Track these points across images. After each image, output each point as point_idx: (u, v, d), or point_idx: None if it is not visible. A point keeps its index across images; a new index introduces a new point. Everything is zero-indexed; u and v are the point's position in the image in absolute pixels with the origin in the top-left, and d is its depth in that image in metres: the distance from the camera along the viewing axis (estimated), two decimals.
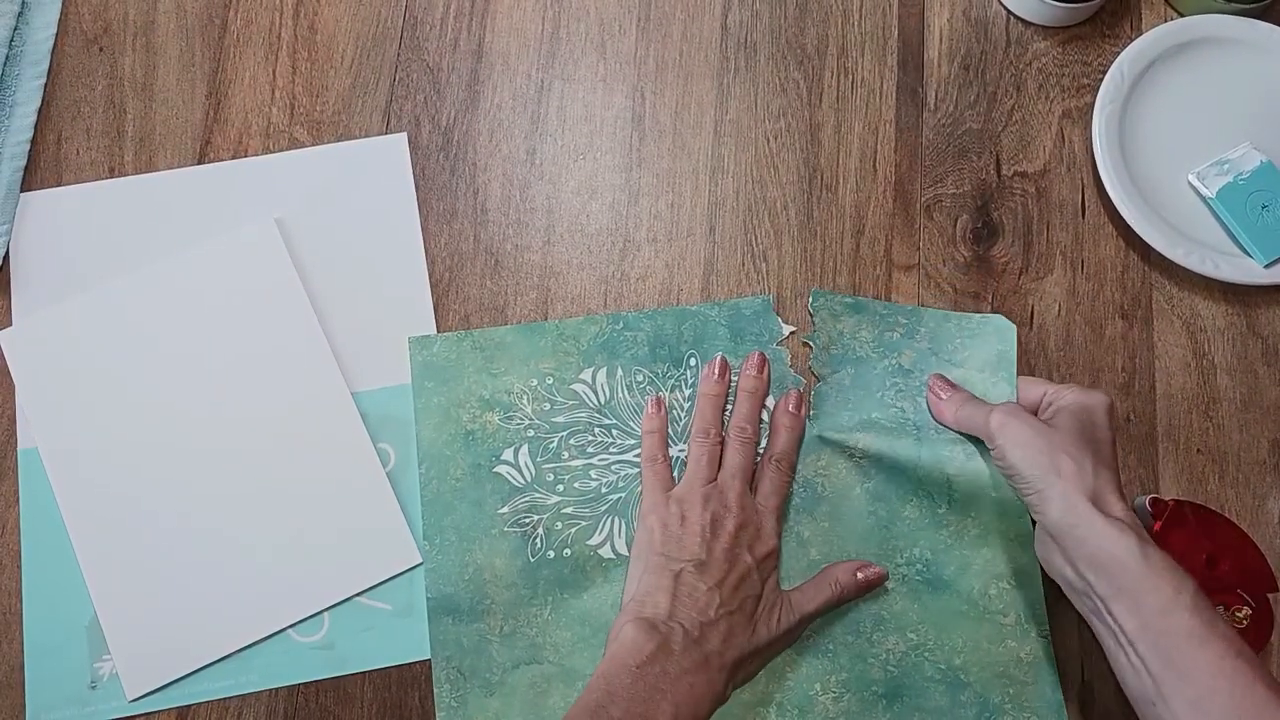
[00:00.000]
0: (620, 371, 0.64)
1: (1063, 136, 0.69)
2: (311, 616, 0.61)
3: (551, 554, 0.61)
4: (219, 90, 0.70)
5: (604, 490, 0.62)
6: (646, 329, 0.65)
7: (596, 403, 0.64)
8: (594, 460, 0.63)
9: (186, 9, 0.71)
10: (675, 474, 0.62)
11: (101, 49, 0.71)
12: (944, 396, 0.60)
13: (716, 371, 0.63)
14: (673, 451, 0.63)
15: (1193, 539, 0.58)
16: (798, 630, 0.58)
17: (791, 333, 0.65)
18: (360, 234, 0.67)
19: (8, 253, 0.66)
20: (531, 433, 0.63)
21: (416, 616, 0.61)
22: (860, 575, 0.59)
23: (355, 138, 0.69)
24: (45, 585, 0.61)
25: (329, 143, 0.69)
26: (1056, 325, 0.66)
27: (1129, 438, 0.64)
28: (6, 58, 0.69)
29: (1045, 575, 0.56)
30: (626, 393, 0.64)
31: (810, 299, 0.66)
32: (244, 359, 0.64)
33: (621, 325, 0.65)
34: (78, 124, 0.69)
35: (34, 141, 0.68)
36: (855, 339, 0.64)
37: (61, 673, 0.60)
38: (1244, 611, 0.57)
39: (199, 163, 0.68)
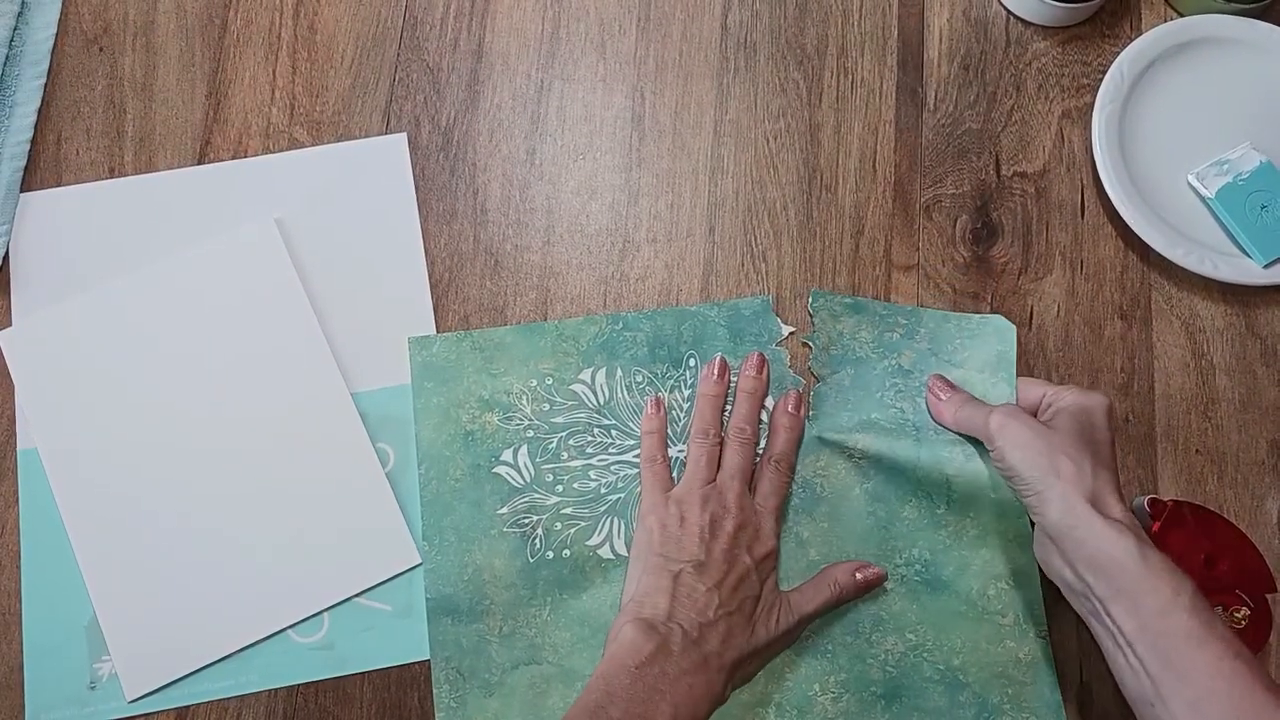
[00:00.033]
0: (620, 372, 0.64)
1: (1062, 137, 0.69)
2: (311, 617, 0.61)
3: (551, 554, 0.61)
4: (219, 90, 0.70)
5: (603, 491, 0.62)
6: (646, 329, 0.65)
7: (596, 403, 0.64)
8: (593, 461, 0.63)
9: (186, 9, 0.71)
10: (674, 475, 0.62)
11: (101, 49, 0.71)
12: (943, 397, 0.60)
13: (716, 372, 0.63)
14: (672, 452, 0.63)
15: (1191, 539, 0.58)
16: (797, 631, 0.58)
17: (791, 333, 0.65)
18: (360, 234, 0.67)
19: (8, 253, 0.66)
20: (531, 433, 0.63)
21: (416, 617, 0.61)
22: (859, 576, 0.59)
23: (355, 138, 0.69)
24: (44, 585, 0.61)
25: (329, 143, 0.69)
26: (1056, 326, 0.66)
27: (1128, 438, 0.64)
28: (6, 58, 0.69)
29: (1044, 576, 0.55)
30: (626, 393, 0.64)
31: (810, 299, 0.66)
32: (244, 359, 0.64)
33: (621, 326, 0.65)
34: (78, 124, 0.69)
35: (34, 141, 0.68)
36: (855, 339, 0.64)
37: (61, 673, 0.60)
38: (1242, 612, 0.58)
39: (199, 163, 0.68)
